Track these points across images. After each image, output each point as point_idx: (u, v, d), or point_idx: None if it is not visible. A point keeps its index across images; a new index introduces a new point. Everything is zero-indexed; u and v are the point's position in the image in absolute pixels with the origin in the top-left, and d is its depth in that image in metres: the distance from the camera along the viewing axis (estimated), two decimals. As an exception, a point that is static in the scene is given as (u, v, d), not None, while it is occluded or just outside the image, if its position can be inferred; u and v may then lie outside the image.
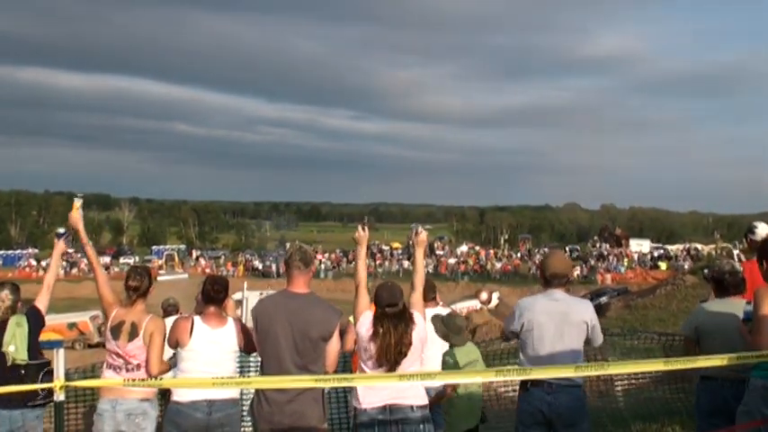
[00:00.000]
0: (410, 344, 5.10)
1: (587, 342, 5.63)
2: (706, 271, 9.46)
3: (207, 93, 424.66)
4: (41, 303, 6.23)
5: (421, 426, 5.12)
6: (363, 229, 5.63)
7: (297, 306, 5.31)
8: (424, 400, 5.22)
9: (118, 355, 5.67)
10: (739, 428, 5.22)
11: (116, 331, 5.68)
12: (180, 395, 5.53)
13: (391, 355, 5.06)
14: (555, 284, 5.65)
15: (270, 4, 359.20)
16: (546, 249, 75.26)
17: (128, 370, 5.69)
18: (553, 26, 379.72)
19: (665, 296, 30.38)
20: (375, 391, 5.12)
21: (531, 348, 5.54)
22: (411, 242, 5.59)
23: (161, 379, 5.73)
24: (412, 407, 5.12)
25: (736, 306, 5.90)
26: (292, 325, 5.25)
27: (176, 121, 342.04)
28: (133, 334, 5.69)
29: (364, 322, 5.22)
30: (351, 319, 7.30)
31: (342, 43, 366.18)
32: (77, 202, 6.16)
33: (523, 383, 5.61)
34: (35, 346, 6.06)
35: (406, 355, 5.09)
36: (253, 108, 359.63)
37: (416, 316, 5.23)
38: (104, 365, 5.79)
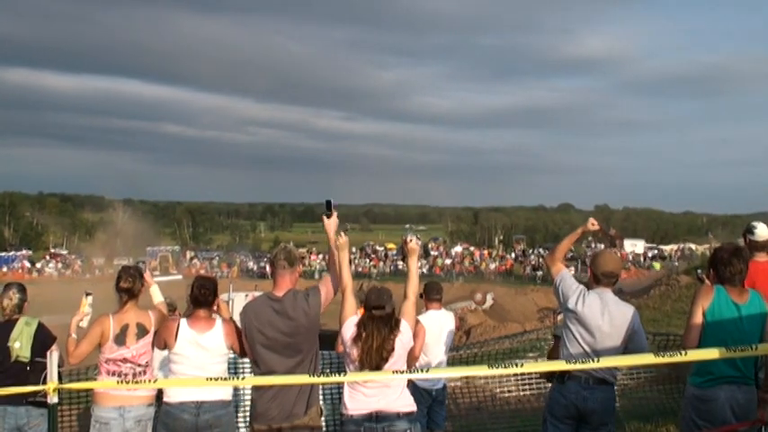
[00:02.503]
0: (392, 350, 5.07)
1: (626, 348, 5.49)
2: (699, 271, 9.47)
3: (196, 93, 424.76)
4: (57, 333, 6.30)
5: (407, 431, 5.11)
6: (342, 235, 5.59)
7: (280, 308, 5.32)
8: (412, 407, 5.21)
9: (125, 360, 5.64)
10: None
11: (121, 337, 5.65)
12: (170, 396, 5.51)
13: (372, 359, 5.03)
14: (604, 283, 5.60)
15: (258, 5, 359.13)
16: (541, 249, 75.43)
17: (135, 375, 5.66)
18: (541, 27, 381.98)
19: (659, 296, 30.39)
20: (362, 398, 5.12)
21: (575, 342, 5.47)
22: (404, 250, 5.59)
23: (155, 380, 5.72)
24: (398, 414, 5.10)
25: None
26: (279, 326, 5.27)
27: (167, 122, 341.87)
28: (142, 333, 5.69)
29: (349, 326, 5.20)
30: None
31: (330, 44, 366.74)
32: (87, 299, 6.10)
33: (560, 376, 5.54)
34: (40, 349, 6.08)
35: (387, 361, 5.06)
36: (242, 109, 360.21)
37: (404, 324, 5.18)
38: (103, 374, 5.72)
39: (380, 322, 5.09)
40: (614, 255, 6.24)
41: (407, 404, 5.18)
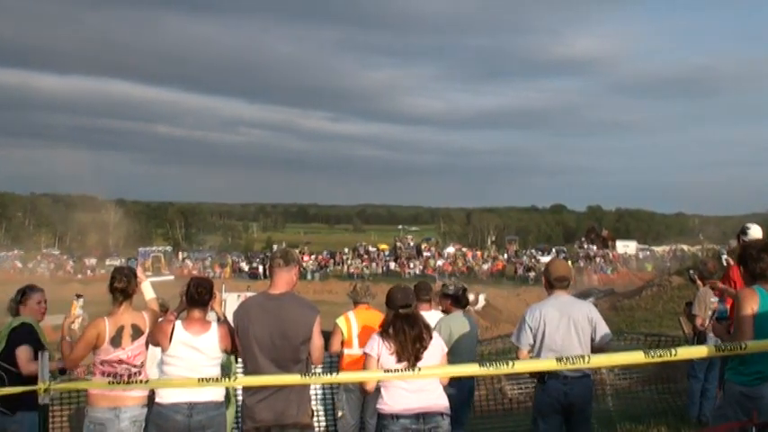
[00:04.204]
0: (431, 338, 5.24)
1: (593, 339, 6.00)
2: (691, 272, 9.57)
3: (184, 94, 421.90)
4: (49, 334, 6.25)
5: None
6: None
7: (274, 306, 5.35)
8: (448, 407, 5.31)
9: (120, 361, 5.62)
10: (716, 430, 5.31)
11: (117, 339, 5.63)
12: (162, 397, 5.49)
13: (410, 350, 5.13)
14: (558, 287, 6.13)
15: (246, 6, 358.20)
16: (533, 250, 75.65)
17: (130, 376, 5.65)
18: (529, 27, 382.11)
19: (651, 297, 30.35)
20: (404, 394, 5.15)
21: (545, 346, 5.93)
22: None
23: (147, 381, 5.71)
24: (442, 414, 5.19)
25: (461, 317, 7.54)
26: (270, 326, 5.29)
27: (158, 123, 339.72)
28: (137, 334, 5.68)
29: (374, 336, 5.34)
30: (337, 321, 7.31)
31: (318, 44, 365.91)
32: (78, 302, 6.04)
33: (540, 377, 6.05)
34: (5, 350, 6.02)
35: (425, 349, 5.17)
36: (232, 109, 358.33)
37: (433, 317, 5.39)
38: (98, 375, 5.68)
39: (410, 319, 5.23)
40: (564, 261, 7.10)
41: (446, 403, 5.30)
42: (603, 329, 6.04)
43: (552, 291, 6.14)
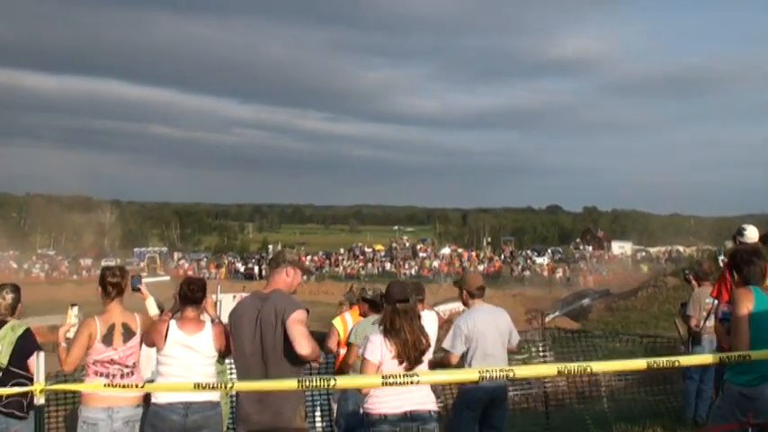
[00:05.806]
0: (429, 346, 5.24)
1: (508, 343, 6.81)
2: (686, 272, 9.59)
3: (180, 94, 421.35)
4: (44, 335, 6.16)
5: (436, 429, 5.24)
6: None
7: (262, 305, 5.31)
8: (436, 404, 5.36)
9: (112, 361, 5.61)
10: (714, 430, 5.35)
11: (108, 337, 5.62)
12: (158, 397, 5.50)
13: (410, 354, 5.11)
14: (478, 296, 6.83)
15: (241, 6, 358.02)
16: (529, 251, 75.69)
17: (122, 376, 5.64)
18: (524, 28, 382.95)
19: (647, 298, 30.35)
20: (393, 397, 5.13)
21: (479, 351, 6.55)
22: None
23: (143, 385, 5.70)
24: (430, 412, 5.20)
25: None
26: (254, 322, 5.26)
27: (153, 123, 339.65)
28: (128, 334, 5.66)
29: (374, 339, 5.26)
30: (334, 322, 7.31)
31: (313, 45, 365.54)
32: (73, 310, 6.01)
33: None
34: (17, 357, 5.90)
35: (424, 354, 5.17)
36: (227, 110, 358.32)
37: (427, 320, 5.38)
38: (90, 375, 5.66)
39: (407, 315, 5.20)
40: (476, 273, 7.27)
41: (434, 402, 5.33)
42: (516, 334, 6.92)
43: (473, 300, 6.81)
